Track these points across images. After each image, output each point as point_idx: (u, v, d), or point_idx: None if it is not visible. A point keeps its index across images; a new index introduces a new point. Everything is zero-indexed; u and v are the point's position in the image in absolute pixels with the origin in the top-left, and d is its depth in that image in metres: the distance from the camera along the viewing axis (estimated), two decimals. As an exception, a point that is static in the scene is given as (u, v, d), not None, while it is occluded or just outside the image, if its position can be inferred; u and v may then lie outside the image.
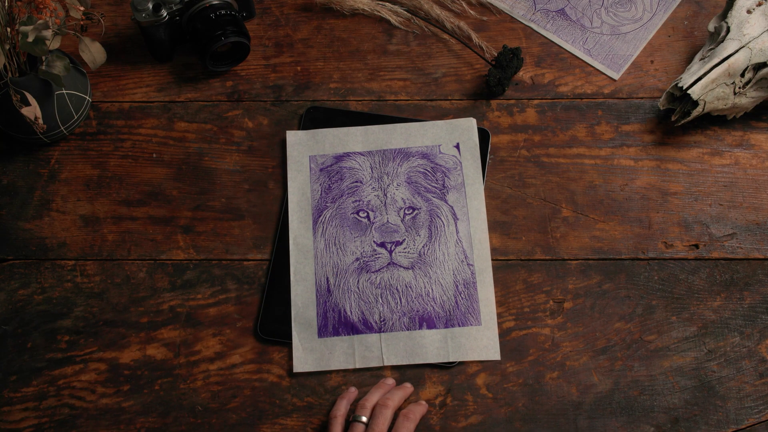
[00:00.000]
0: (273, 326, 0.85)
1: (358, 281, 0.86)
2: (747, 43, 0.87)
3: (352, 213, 0.89)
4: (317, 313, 0.85)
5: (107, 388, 0.83)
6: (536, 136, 0.93)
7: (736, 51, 0.87)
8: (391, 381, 0.83)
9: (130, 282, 0.87)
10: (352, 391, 0.83)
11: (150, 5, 0.92)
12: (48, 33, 0.82)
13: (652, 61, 0.97)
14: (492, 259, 0.87)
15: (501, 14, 1.00)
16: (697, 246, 0.87)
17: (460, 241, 0.87)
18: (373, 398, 0.81)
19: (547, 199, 0.90)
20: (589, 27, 0.99)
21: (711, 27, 0.93)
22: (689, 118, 0.89)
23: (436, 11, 0.99)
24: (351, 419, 0.80)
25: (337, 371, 0.84)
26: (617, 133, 0.93)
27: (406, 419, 0.80)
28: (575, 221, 0.89)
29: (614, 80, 0.96)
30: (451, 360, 0.83)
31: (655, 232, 0.88)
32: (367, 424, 0.79)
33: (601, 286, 0.86)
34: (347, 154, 0.92)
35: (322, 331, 0.85)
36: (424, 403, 0.82)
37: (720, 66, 0.87)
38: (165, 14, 0.93)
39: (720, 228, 0.88)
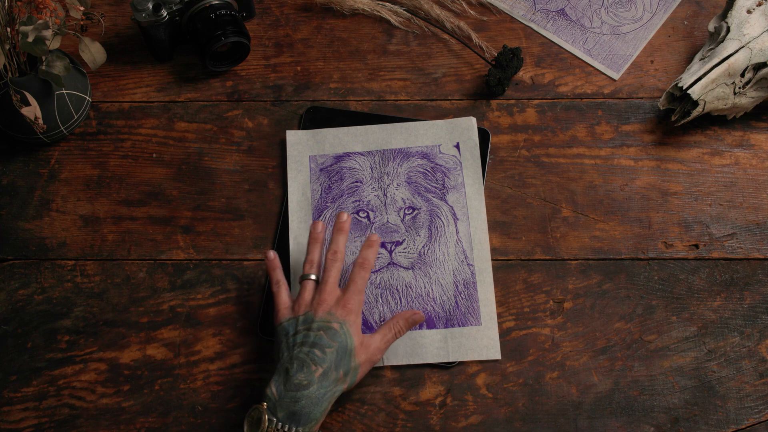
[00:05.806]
0: (273, 326, 0.85)
1: (358, 281, 0.86)
2: (747, 43, 0.87)
3: (352, 213, 0.89)
4: (317, 313, 0.85)
5: (107, 388, 0.83)
6: (536, 136, 0.93)
7: (736, 51, 0.87)
8: (320, 227, 0.81)
9: (130, 282, 0.87)
10: (272, 257, 0.81)
11: (150, 5, 0.92)
12: (48, 33, 0.82)
13: (652, 61, 0.97)
14: (492, 259, 0.87)
15: (501, 14, 1.00)
16: (697, 246, 0.87)
17: (460, 241, 0.87)
18: (316, 253, 0.78)
19: (547, 199, 0.90)
20: (589, 27, 0.99)
21: (711, 27, 0.93)
22: (689, 118, 0.89)
23: (436, 11, 0.99)
24: (300, 279, 0.79)
25: (337, 371, 0.84)
26: (617, 133, 0.93)
27: (362, 268, 0.77)
28: (575, 221, 0.89)
29: (614, 80, 0.96)
30: (451, 360, 0.83)
31: (655, 232, 0.88)
32: (317, 280, 0.77)
33: (601, 286, 0.86)
34: (347, 154, 0.92)
35: (322, 331, 0.85)
36: (375, 243, 0.78)
37: (720, 66, 0.87)
38: (165, 14, 0.93)
39: (720, 228, 0.88)
